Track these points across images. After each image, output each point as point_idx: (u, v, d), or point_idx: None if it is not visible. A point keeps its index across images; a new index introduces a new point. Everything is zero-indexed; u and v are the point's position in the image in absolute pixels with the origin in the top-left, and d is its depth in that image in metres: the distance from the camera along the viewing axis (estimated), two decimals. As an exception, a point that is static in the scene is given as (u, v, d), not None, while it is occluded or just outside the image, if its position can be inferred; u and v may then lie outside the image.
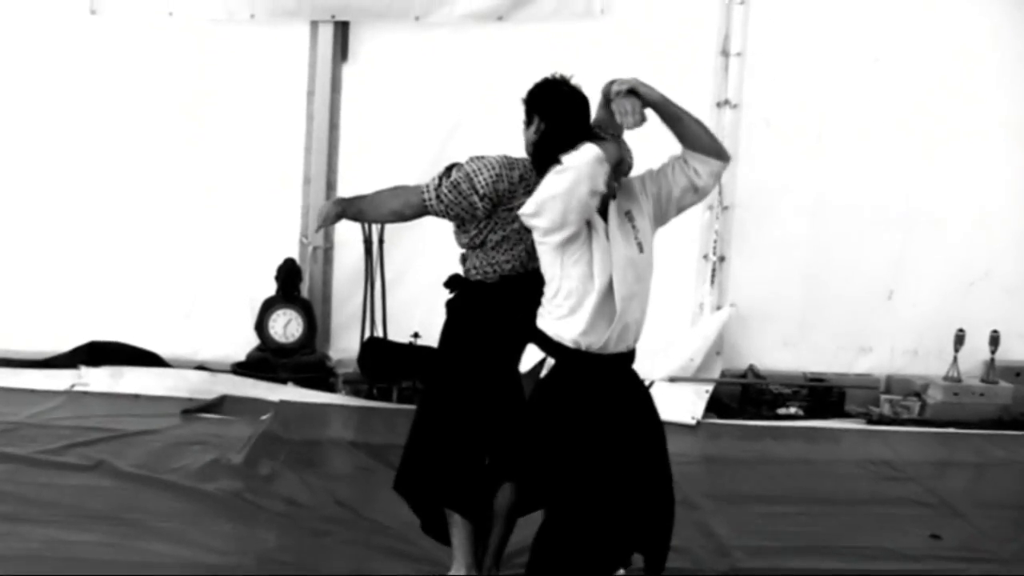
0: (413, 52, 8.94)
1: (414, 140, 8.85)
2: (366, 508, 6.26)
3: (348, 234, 8.89)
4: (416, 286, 8.81)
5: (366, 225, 8.66)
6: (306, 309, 8.92)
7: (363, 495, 6.52)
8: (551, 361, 4.64)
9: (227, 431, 7.48)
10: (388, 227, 8.66)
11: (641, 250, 4.62)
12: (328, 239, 9.05)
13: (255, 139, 8.96)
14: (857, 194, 9.23)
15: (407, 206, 4.92)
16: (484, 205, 4.77)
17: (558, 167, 4.44)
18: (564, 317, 4.60)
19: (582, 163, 4.42)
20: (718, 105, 9.06)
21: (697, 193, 4.86)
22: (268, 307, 8.89)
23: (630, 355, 4.76)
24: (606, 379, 4.65)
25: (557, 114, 4.79)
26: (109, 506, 5.99)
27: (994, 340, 9.20)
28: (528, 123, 4.90)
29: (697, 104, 8.71)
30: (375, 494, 6.51)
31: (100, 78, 8.87)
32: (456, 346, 5.05)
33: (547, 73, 4.98)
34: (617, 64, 8.80)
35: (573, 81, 4.88)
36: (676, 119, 4.75)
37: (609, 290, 4.53)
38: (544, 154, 4.65)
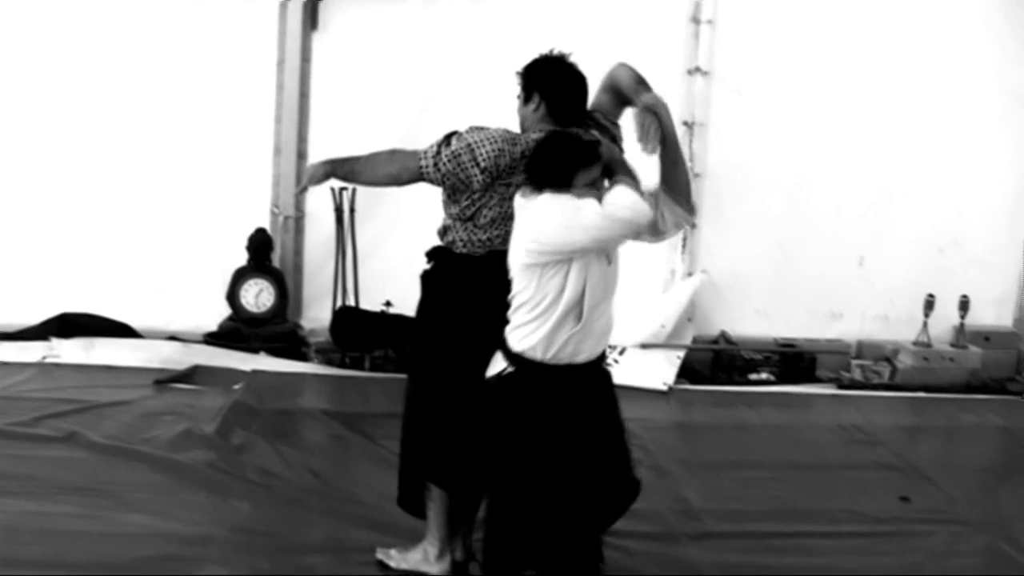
0: (384, 22, 8.91)
1: (385, 110, 8.82)
2: (339, 477, 6.28)
3: (319, 204, 8.89)
4: (388, 255, 8.84)
5: (337, 194, 8.66)
6: (278, 279, 8.91)
7: (336, 464, 6.55)
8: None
9: (199, 401, 7.47)
10: (360, 197, 8.67)
11: (610, 263, 4.55)
12: (299, 209, 9.04)
13: (225, 109, 8.90)
14: (828, 162, 9.28)
15: (404, 170, 4.78)
16: (483, 178, 4.65)
17: (599, 207, 4.34)
18: (526, 327, 4.50)
19: (627, 215, 4.36)
20: (688, 72, 9.08)
21: (653, 235, 4.78)
22: (239, 277, 8.87)
23: (595, 364, 4.65)
24: (563, 389, 4.56)
25: (558, 94, 4.75)
26: (82, 477, 5.97)
27: (963, 305, 9.28)
28: (526, 100, 4.83)
29: (668, 72, 8.86)
30: (348, 463, 6.56)
31: (69, 51, 8.78)
32: (442, 319, 4.90)
33: (540, 48, 4.94)
34: (589, 33, 8.87)
35: (571, 59, 4.83)
36: (675, 161, 4.72)
37: (576, 303, 4.45)
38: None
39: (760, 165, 9.14)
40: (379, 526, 5.51)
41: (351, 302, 8.79)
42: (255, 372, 8.17)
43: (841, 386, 9.05)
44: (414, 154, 4.74)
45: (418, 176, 4.73)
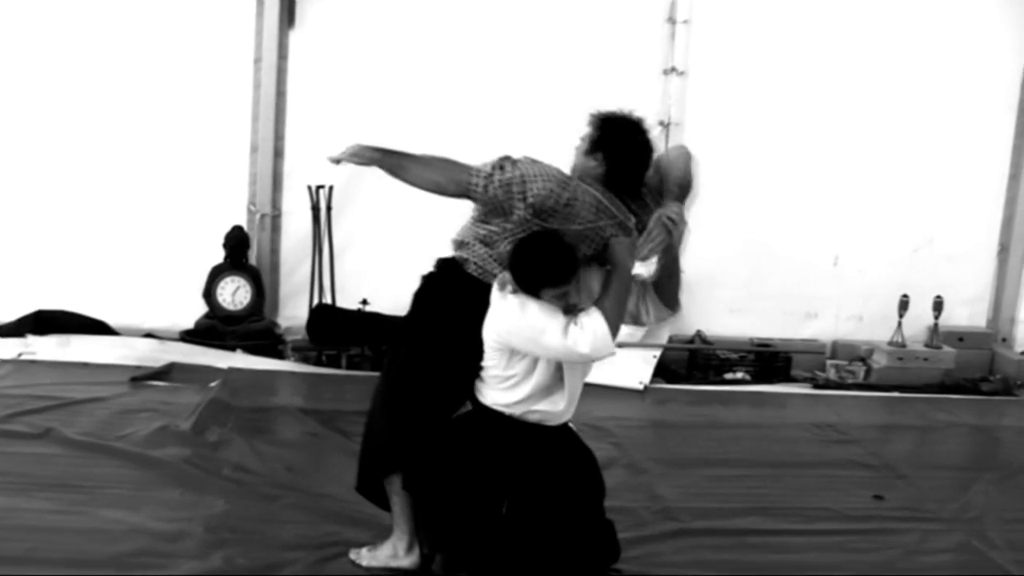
0: (361, 19, 8.91)
1: (362, 108, 8.81)
2: (314, 474, 6.28)
3: (296, 202, 8.90)
4: (365, 253, 8.88)
5: (314, 192, 8.67)
6: (254, 276, 8.91)
7: (312, 461, 6.54)
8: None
9: (175, 398, 7.45)
10: (336, 195, 8.69)
11: None
12: (276, 207, 9.04)
13: (202, 107, 8.89)
14: (803, 162, 9.32)
15: (451, 183, 4.66)
16: (525, 213, 4.57)
17: (560, 334, 4.38)
18: (495, 390, 4.62)
19: (586, 352, 4.40)
20: (664, 72, 9.11)
21: (634, 323, 4.85)
22: (216, 275, 8.87)
23: (562, 427, 4.77)
24: (529, 441, 4.66)
25: (623, 165, 4.70)
26: (58, 473, 5.95)
27: (938, 306, 9.35)
28: (589, 151, 4.73)
29: (644, 72, 8.90)
30: (324, 460, 6.55)
31: (45, 50, 8.76)
32: (432, 325, 4.85)
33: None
34: (566, 33, 8.91)
35: (646, 125, 4.78)
36: (672, 273, 4.75)
37: (546, 385, 4.57)
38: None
39: (735, 165, 9.16)
40: (354, 522, 5.51)
41: (328, 300, 8.80)
42: (231, 369, 8.17)
43: (816, 386, 9.10)
44: (466, 169, 4.65)
45: (464, 192, 4.66)
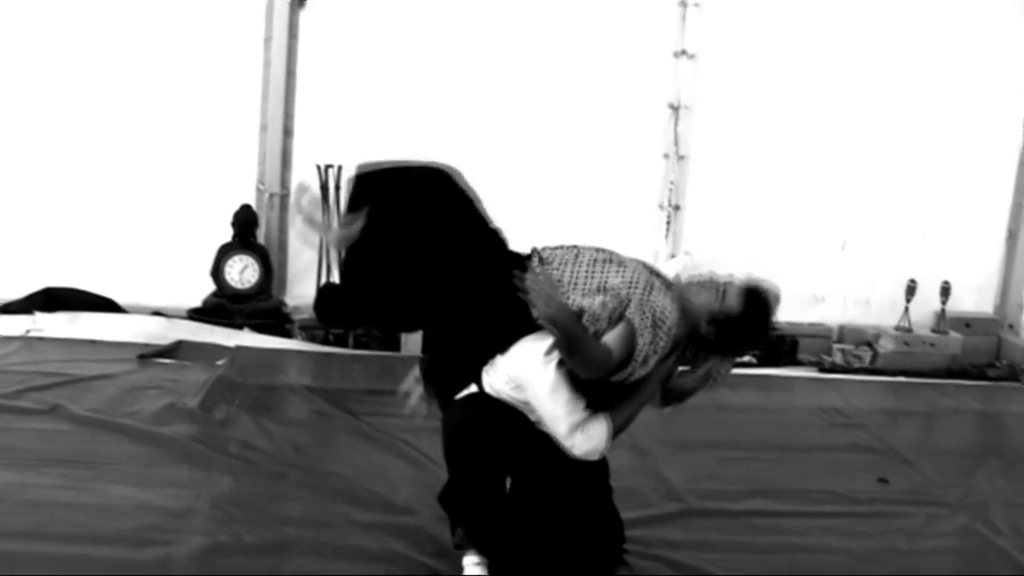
0: (371, -2, 8.93)
1: (372, 87, 8.84)
2: (321, 452, 6.31)
3: (304, 180, 8.88)
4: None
5: (323, 171, 8.67)
6: (262, 255, 8.92)
7: (319, 439, 6.57)
8: None
9: (183, 376, 7.48)
10: (344, 175, 8.65)
11: None
12: (284, 186, 9.05)
13: (211, 86, 8.89)
14: (812, 146, 9.31)
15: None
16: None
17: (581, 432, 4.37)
18: (509, 386, 4.54)
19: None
20: (675, 55, 9.10)
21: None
22: (224, 253, 8.88)
23: None
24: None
25: (731, 342, 4.63)
26: (66, 450, 5.97)
27: (945, 291, 9.33)
28: (708, 323, 4.52)
29: (654, 54, 8.91)
30: (331, 438, 6.57)
31: (52, 29, 8.75)
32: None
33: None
34: (577, 13, 8.90)
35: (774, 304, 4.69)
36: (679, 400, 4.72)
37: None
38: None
39: (744, 148, 9.17)
40: (360, 499, 5.55)
41: (335, 280, 8.80)
42: (239, 348, 8.18)
43: (822, 369, 9.11)
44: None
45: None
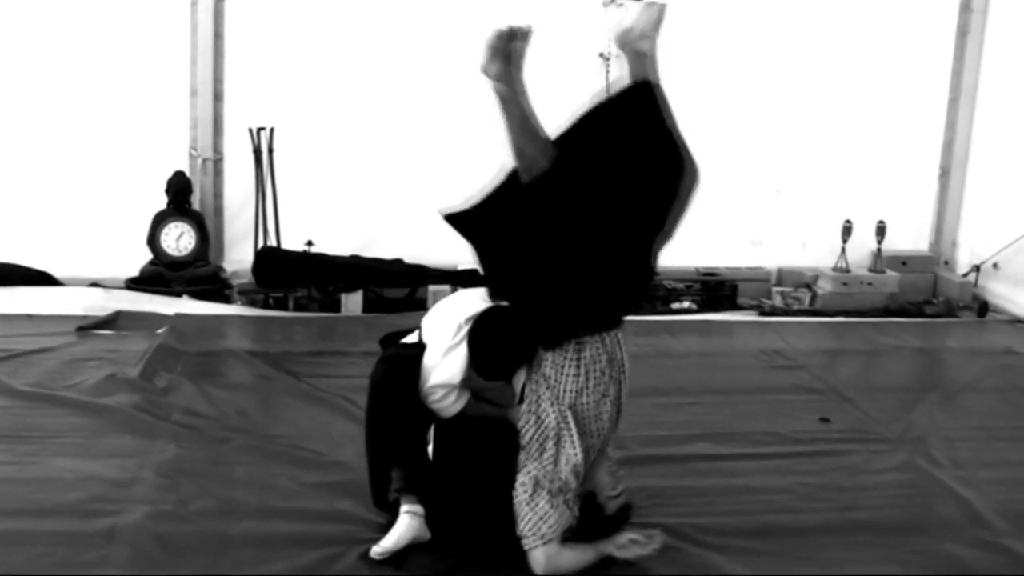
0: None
1: (302, 49, 8.77)
2: (265, 415, 6.31)
3: (238, 146, 8.84)
4: (308, 195, 8.82)
5: (255, 135, 8.61)
6: (198, 222, 8.86)
7: (262, 403, 6.56)
8: None
9: (123, 346, 7.44)
10: (277, 137, 8.65)
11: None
12: (218, 151, 8.98)
13: (139, 51, 8.80)
14: (744, 90, 9.33)
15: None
16: None
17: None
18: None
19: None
20: (604, 5, 9.04)
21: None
22: (160, 221, 8.81)
23: None
24: None
25: None
26: (6, 425, 5.93)
27: (880, 231, 9.42)
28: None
29: (585, 2, 8.84)
30: (274, 401, 6.56)
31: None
32: None
33: None
34: None
35: None
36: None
37: None
38: None
39: (676, 96, 9.14)
40: (303, 461, 5.57)
41: (273, 243, 8.77)
42: (178, 315, 8.14)
43: (762, 313, 9.18)
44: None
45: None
